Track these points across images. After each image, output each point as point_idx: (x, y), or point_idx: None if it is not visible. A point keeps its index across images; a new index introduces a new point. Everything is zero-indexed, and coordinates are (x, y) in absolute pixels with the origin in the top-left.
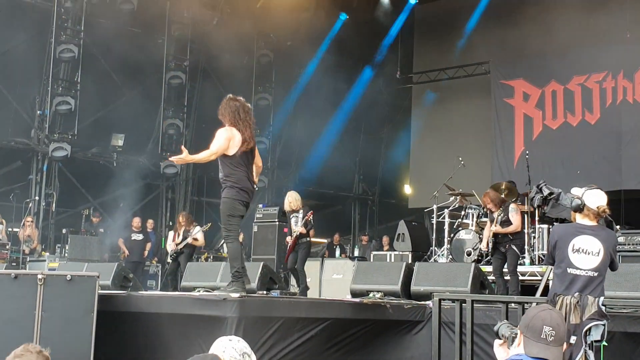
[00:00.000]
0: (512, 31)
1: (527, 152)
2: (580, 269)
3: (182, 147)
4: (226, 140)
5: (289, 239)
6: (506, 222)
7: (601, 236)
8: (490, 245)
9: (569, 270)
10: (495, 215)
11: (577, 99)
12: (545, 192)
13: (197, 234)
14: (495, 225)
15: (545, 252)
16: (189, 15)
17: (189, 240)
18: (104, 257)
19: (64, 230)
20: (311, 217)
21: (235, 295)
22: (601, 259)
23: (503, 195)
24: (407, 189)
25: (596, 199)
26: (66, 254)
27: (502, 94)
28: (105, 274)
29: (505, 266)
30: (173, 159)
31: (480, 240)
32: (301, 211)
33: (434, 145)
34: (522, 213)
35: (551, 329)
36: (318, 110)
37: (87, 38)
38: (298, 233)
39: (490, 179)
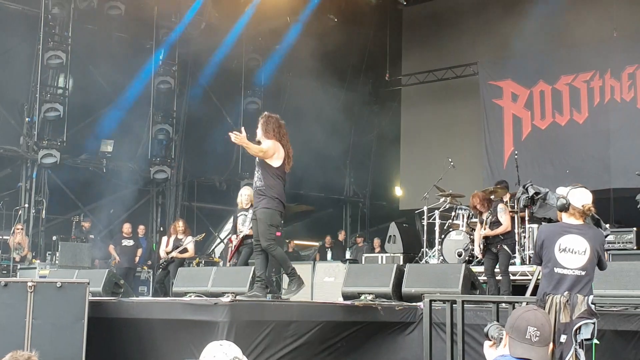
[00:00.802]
0: (500, 32)
1: (516, 152)
2: (567, 268)
3: (243, 128)
4: (274, 150)
5: (233, 238)
6: (495, 223)
7: (587, 235)
8: (482, 247)
9: (555, 270)
10: (484, 217)
11: (565, 98)
12: (531, 192)
13: (189, 244)
14: (485, 228)
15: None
16: (177, 20)
17: (177, 251)
18: (94, 264)
19: (54, 237)
20: None
21: (227, 300)
22: (588, 257)
23: (492, 197)
24: (398, 191)
25: (581, 197)
26: (57, 261)
27: (491, 94)
28: (96, 280)
29: (497, 266)
30: (233, 134)
31: (471, 240)
32: (251, 210)
33: (424, 146)
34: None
35: (536, 329)
36: (308, 112)
37: (75, 44)
38: (244, 234)
39: (481, 179)
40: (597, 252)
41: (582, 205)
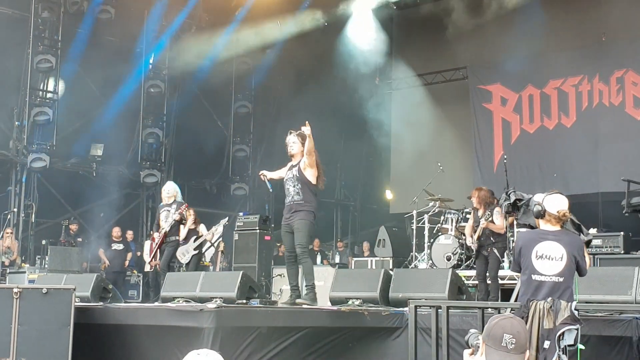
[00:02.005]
0: (489, 36)
1: (505, 156)
2: (545, 275)
3: (307, 122)
4: (314, 161)
5: (156, 236)
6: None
7: (564, 241)
8: (474, 246)
9: (533, 277)
10: (479, 214)
11: (553, 102)
12: (513, 198)
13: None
14: (475, 230)
15: None
16: (167, 24)
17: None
18: (84, 268)
19: (43, 242)
20: (185, 211)
21: (212, 306)
22: (565, 264)
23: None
24: (389, 195)
25: (556, 203)
26: (46, 265)
27: (480, 99)
28: (84, 285)
29: (487, 271)
30: (305, 127)
31: (460, 245)
32: (174, 205)
33: (414, 150)
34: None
35: (511, 336)
36: (298, 116)
37: (64, 48)
38: (165, 230)
39: (471, 183)
40: (574, 258)
41: (557, 211)
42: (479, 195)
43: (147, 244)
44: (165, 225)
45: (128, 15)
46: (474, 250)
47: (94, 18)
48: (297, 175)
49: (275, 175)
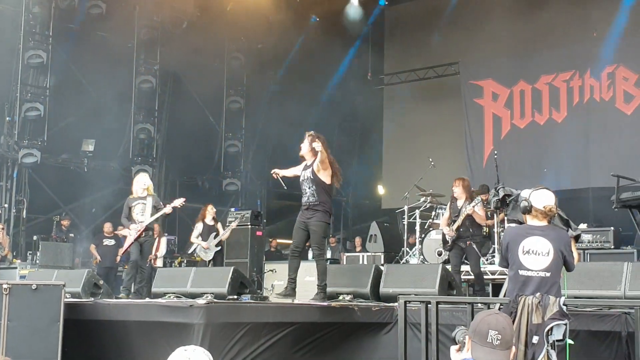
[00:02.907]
0: (481, 32)
1: (496, 151)
2: (532, 270)
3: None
4: (328, 164)
5: (132, 227)
6: (469, 217)
7: (550, 236)
8: (450, 237)
9: (520, 272)
10: (459, 204)
11: (544, 98)
12: (501, 194)
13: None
14: (452, 222)
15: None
16: (158, 19)
17: (221, 238)
18: (75, 264)
19: (35, 237)
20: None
21: (202, 302)
22: (552, 259)
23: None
24: (380, 190)
25: (543, 198)
26: (37, 261)
27: (472, 94)
28: (75, 281)
29: (469, 267)
30: (316, 144)
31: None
32: (150, 198)
33: (406, 146)
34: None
35: (497, 332)
36: (290, 112)
37: (55, 43)
38: (146, 224)
39: None
40: (561, 253)
41: (544, 207)
42: (463, 184)
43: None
44: (144, 219)
45: (119, 10)
46: (449, 242)
47: (85, 13)
48: (312, 177)
49: (288, 173)
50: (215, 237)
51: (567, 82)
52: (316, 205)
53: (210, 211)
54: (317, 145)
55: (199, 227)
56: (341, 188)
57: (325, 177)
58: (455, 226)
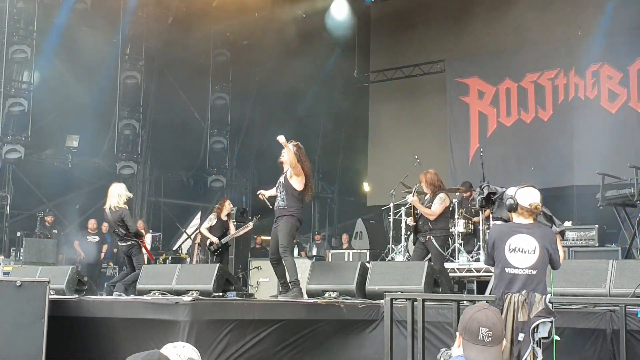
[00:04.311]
0: (466, 29)
1: (482, 149)
2: (518, 268)
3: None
4: (300, 171)
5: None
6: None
7: (536, 234)
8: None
9: (506, 270)
10: (427, 198)
11: (530, 96)
12: (486, 192)
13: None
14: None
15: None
16: (143, 14)
17: (232, 236)
18: (59, 260)
19: (18, 233)
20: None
21: (188, 299)
22: (537, 256)
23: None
24: (366, 187)
25: (528, 196)
26: (21, 257)
27: (457, 92)
28: (59, 277)
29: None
30: (279, 137)
31: None
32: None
33: (392, 143)
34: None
35: (487, 329)
36: (276, 108)
37: (40, 38)
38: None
39: (447, 176)
40: (547, 251)
41: (530, 204)
42: (425, 178)
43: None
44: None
45: (104, 6)
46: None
47: (69, 8)
48: (283, 182)
49: (274, 192)
50: (225, 234)
51: (552, 80)
52: (284, 210)
53: (227, 207)
54: (288, 154)
55: (212, 220)
56: (327, 185)
57: (297, 183)
58: (410, 219)
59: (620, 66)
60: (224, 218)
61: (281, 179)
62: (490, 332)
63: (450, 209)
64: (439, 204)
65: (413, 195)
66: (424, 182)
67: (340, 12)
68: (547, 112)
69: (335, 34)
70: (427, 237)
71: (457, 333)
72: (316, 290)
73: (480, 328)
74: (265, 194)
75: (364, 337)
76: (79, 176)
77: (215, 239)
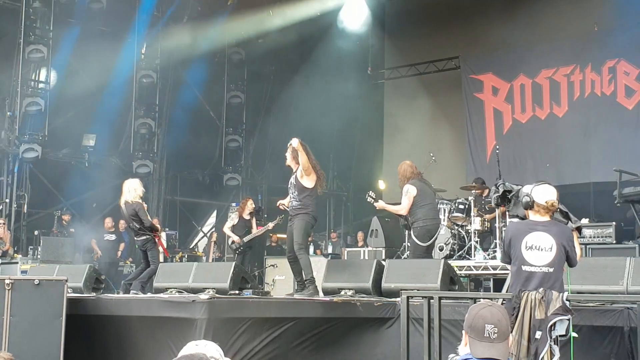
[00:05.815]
0: (481, 25)
1: (498, 146)
2: (535, 266)
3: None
4: (311, 170)
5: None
6: (398, 203)
7: (552, 231)
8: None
9: (523, 267)
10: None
11: (545, 92)
12: (501, 190)
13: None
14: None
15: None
16: (159, 14)
17: (254, 235)
18: (76, 259)
19: (36, 232)
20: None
21: (205, 297)
22: (554, 254)
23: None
24: (381, 185)
25: (544, 194)
26: (38, 256)
27: (472, 88)
28: (77, 276)
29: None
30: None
31: (453, 235)
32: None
33: (407, 140)
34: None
35: (493, 326)
36: (291, 107)
37: (56, 38)
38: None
39: (464, 174)
40: (564, 248)
41: (546, 202)
42: (399, 170)
43: (233, 218)
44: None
45: (120, 5)
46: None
47: (85, 8)
48: (295, 183)
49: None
50: (247, 233)
51: (567, 77)
52: (299, 209)
53: (249, 206)
54: (300, 157)
55: (234, 219)
56: (342, 183)
57: (308, 182)
58: (402, 219)
59: (637, 62)
60: (246, 217)
61: (292, 180)
62: (496, 329)
63: (426, 195)
64: (405, 196)
65: (374, 202)
66: (399, 173)
67: (354, 9)
68: (562, 108)
69: (350, 31)
70: (408, 232)
71: (463, 332)
72: (332, 288)
73: (486, 325)
74: (284, 203)
75: (379, 335)
76: (96, 175)
77: (237, 238)
